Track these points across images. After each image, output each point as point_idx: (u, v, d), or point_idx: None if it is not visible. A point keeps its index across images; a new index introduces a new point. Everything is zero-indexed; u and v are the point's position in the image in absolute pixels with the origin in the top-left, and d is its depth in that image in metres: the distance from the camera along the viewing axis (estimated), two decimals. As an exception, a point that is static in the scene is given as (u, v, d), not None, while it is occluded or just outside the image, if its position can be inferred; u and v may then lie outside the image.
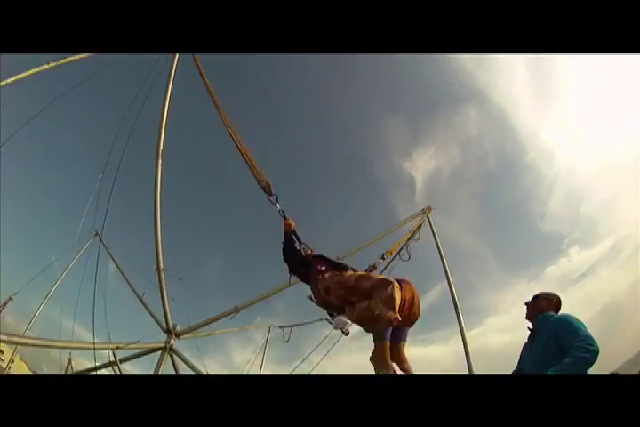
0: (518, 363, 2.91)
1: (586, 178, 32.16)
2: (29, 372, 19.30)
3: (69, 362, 15.95)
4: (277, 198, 4.00)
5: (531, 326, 2.88)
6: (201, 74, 7.66)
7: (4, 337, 7.45)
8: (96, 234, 14.26)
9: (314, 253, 3.64)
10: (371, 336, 2.69)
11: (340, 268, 3.24)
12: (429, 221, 8.51)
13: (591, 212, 30.54)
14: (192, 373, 10.04)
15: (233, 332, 14.50)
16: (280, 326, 11.67)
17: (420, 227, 8.04)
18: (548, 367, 2.32)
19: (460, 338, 8.24)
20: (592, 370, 2.31)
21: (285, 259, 3.61)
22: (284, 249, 3.59)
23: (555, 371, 2.27)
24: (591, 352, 2.28)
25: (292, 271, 3.62)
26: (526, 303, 3.02)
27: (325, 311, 3.37)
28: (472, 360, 7.82)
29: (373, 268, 6.21)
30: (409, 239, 8.14)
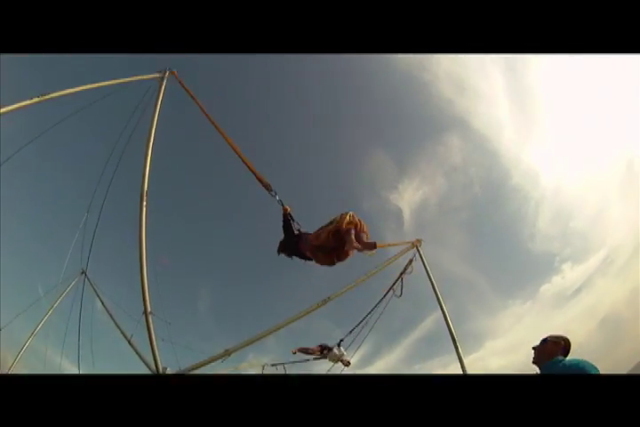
0: None
1: (572, 195, 32.95)
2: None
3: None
4: (276, 193, 5.43)
5: (538, 371, 2.74)
6: (187, 91, 7.87)
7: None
8: (83, 272, 13.87)
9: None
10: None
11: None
12: (420, 255, 8.45)
13: (580, 227, 31.07)
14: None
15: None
16: (273, 364, 11.21)
17: (411, 262, 7.96)
18: None
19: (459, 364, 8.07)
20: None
21: (285, 232, 5.06)
22: (283, 226, 5.07)
23: None
24: None
25: (285, 249, 5.03)
26: (534, 348, 2.89)
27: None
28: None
29: None
30: (402, 274, 8.05)
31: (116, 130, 9.53)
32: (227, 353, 9.44)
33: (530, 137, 35.28)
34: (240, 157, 6.20)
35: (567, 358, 2.72)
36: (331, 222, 4.39)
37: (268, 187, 5.53)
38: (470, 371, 8.06)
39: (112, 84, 8.07)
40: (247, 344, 9.20)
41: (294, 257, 4.98)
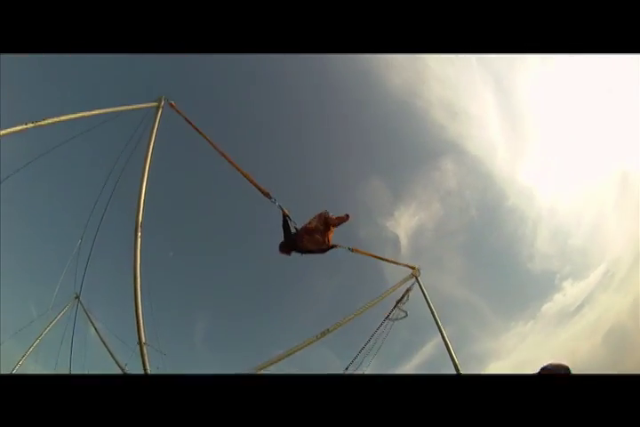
0: None
1: (568, 211, 33.05)
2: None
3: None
4: (276, 200, 6.50)
5: None
6: (186, 119, 7.90)
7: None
8: (76, 297, 13.63)
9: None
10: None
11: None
12: (419, 285, 8.33)
13: (579, 243, 30.95)
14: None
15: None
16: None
17: (408, 291, 7.87)
18: None
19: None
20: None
21: (284, 231, 6.16)
22: (283, 225, 6.18)
23: None
24: None
25: (285, 247, 6.12)
26: None
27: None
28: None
29: None
30: (399, 301, 7.94)
31: (113, 157, 9.50)
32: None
33: (522, 155, 35.79)
34: (241, 171, 7.17)
35: None
36: (311, 220, 6.08)
37: (268, 195, 6.59)
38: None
39: (107, 113, 8.08)
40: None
41: (293, 253, 6.12)
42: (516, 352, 28.56)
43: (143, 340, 9.64)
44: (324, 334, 7.47)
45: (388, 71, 30.96)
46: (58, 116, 7.86)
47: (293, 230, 6.18)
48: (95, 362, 13.93)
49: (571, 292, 29.24)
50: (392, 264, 8.74)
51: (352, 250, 6.83)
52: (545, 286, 30.73)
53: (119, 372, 11.74)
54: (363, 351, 8.59)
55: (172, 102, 8.40)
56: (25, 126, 8.29)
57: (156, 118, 8.48)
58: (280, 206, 6.35)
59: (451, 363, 8.49)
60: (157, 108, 8.44)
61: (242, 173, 7.09)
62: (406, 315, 8.14)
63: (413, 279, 8.39)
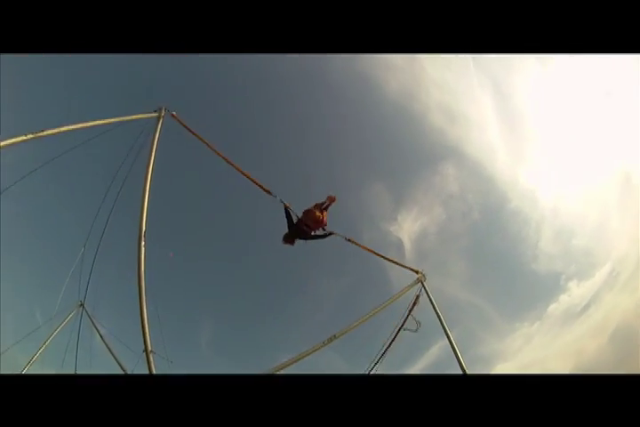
0: None
1: (571, 212, 32.84)
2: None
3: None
4: (276, 195, 7.42)
5: None
6: (188, 129, 7.94)
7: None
8: (81, 304, 13.63)
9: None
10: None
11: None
12: (426, 290, 8.28)
13: (583, 243, 30.73)
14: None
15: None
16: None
17: (418, 297, 7.83)
18: None
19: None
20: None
21: (287, 220, 7.30)
22: (285, 215, 7.33)
23: None
24: None
25: (288, 237, 7.35)
26: None
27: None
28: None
29: None
30: (410, 310, 7.91)
31: (115, 166, 9.51)
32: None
33: (523, 157, 35.55)
34: (246, 176, 7.73)
35: None
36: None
37: (269, 192, 7.46)
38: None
39: (107, 123, 8.08)
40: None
41: (297, 241, 7.22)
42: (522, 353, 28.43)
43: (149, 348, 9.69)
44: (330, 339, 7.45)
45: (386, 74, 30.95)
46: (57, 126, 7.92)
47: (295, 219, 7.31)
48: (101, 369, 13.93)
49: (576, 292, 29.10)
50: (397, 267, 8.75)
51: (349, 240, 7.69)
52: (550, 286, 30.59)
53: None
54: (375, 360, 8.53)
55: (174, 113, 8.40)
56: (25, 138, 8.31)
57: (156, 129, 8.49)
58: (281, 200, 7.38)
59: (457, 365, 8.52)
60: (158, 118, 8.44)
61: (246, 176, 7.66)
62: (419, 326, 8.08)
63: (419, 285, 8.37)
